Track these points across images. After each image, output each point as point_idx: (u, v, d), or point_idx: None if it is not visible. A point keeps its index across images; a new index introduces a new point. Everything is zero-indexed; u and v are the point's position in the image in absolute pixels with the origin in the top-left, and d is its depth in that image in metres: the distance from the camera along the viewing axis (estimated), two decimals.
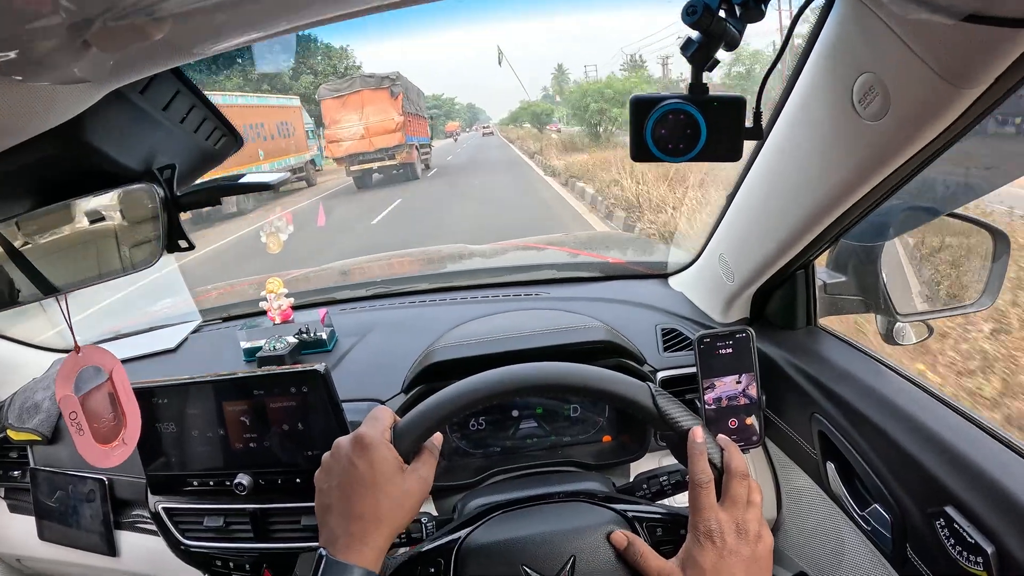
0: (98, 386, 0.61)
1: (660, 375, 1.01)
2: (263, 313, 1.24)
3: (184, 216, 0.55)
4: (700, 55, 0.47)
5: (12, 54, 0.30)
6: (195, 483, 0.93)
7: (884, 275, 0.91)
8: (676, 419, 0.64)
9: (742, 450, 0.66)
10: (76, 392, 0.58)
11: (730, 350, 0.90)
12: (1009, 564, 0.56)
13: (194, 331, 1.36)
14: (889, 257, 0.92)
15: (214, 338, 1.33)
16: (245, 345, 1.18)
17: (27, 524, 1.17)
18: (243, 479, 0.89)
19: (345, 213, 10.06)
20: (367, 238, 7.32)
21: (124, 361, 1.15)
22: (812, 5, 0.49)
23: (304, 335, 1.17)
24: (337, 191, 13.82)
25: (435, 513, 0.92)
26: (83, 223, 0.53)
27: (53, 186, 0.51)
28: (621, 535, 0.63)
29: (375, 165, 13.54)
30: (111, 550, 1.09)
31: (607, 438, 1.02)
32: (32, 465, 1.14)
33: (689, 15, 0.44)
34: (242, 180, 0.55)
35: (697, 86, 0.49)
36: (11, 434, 1.13)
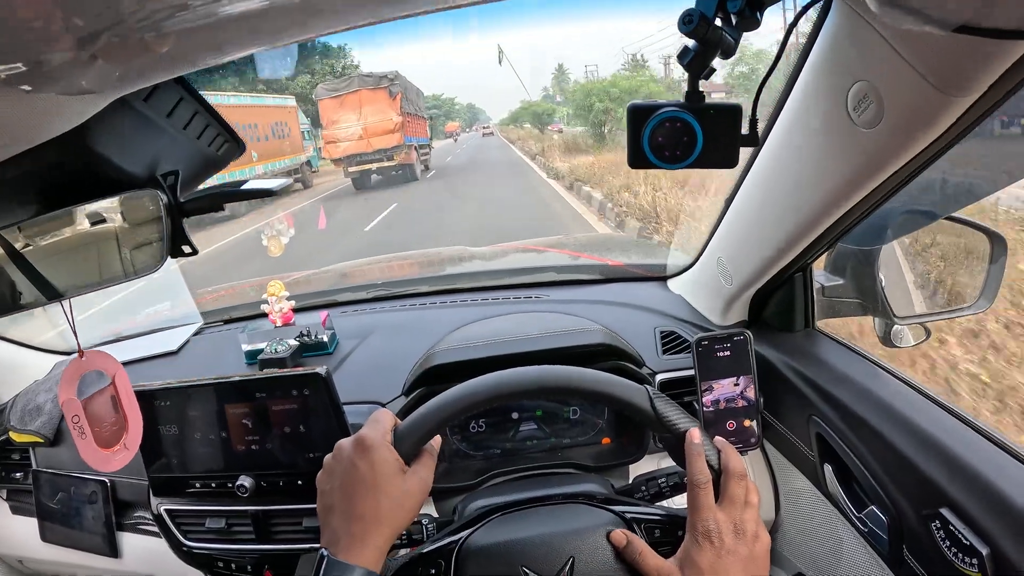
0: (101, 391, 0.61)
1: (659, 377, 1.02)
2: (264, 315, 1.24)
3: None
4: (697, 63, 0.47)
5: (21, 66, 0.31)
6: (197, 485, 0.94)
7: (882, 278, 0.92)
8: (673, 422, 0.64)
9: (740, 452, 0.67)
10: (79, 396, 0.58)
11: (728, 353, 0.91)
12: (1004, 565, 0.56)
13: (195, 333, 1.36)
14: (887, 260, 0.93)
15: (215, 340, 1.33)
16: (246, 347, 1.18)
17: (29, 525, 1.17)
18: (245, 481, 0.90)
19: (334, 219, 9.46)
20: (360, 245, 6.99)
21: (126, 363, 1.17)
22: (807, 14, 0.50)
23: (305, 338, 1.17)
24: (330, 194, 13.52)
25: (436, 515, 0.93)
26: (85, 227, 0.53)
27: (58, 192, 0.51)
28: (620, 534, 0.64)
29: (373, 166, 13.32)
30: (113, 551, 1.10)
31: (606, 440, 1.03)
32: (34, 467, 1.15)
33: (685, 24, 0.45)
34: (245, 187, 0.56)
35: (694, 94, 0.49)
36: (13, 436, 1.14)
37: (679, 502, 0.76)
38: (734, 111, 0.50)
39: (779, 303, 0.99)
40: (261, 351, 1.16)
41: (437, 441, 0.66)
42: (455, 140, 35.93)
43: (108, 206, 0.53)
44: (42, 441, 1.12)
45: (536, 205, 8.45)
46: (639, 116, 0.50)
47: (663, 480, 0.77)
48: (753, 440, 0.92)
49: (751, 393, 0.91)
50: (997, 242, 0.90)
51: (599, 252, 2.40)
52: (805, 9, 0.49)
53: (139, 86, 0.42)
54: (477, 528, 0.68)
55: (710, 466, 0.62)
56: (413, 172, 13.70)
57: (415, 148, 14.19)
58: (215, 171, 0.61)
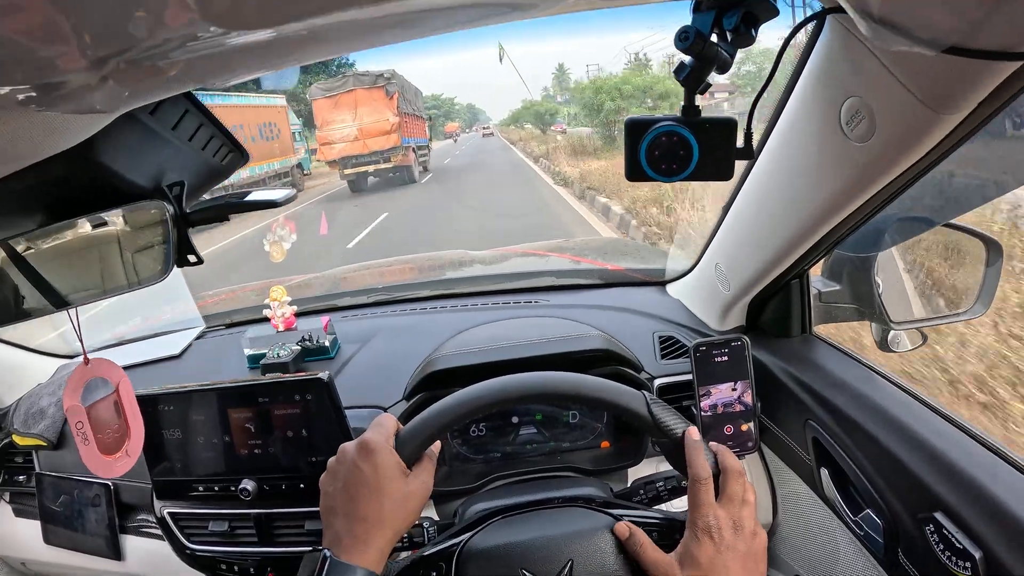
0: (104, 397, 0.62)
1: (657, 382, 1.03)
2: (266, 320, 1.25)
3: None
4: (693, 79, 0.48)
5: (33, 91, 0.31)
6: (200, 488, 0.95)
7: (878, 283, 0.93)
8: (671, 427, 0.65)
9: (737, 456, 0.68)
10: (83, 403, 0.59)
11: (726, 358, 0.92)
12: (997, 569, 0.57)
13: (198, 337, 1.37)
14: (883, 266, 0.94)
15: (218, 344, 1.34)
16: (249, 352, 1.19)
17: (32, 528, 1.18)
18: (248, 484, 0.91)
19: (309, 231, 8.12)
20: (344, 259, 6.01)
21: (129, 367, 1.17)
22: (801, 31, 0.51)
23: (307, 342, 1.18)
24: (315, 202, 12.68)
25: (436, 518, 0.94)
26: (87, 230, 0.54)
27: (65, 204, 0.52)
28: (624, 525, 0.65)
29: (370, 168, 12.88)
30: (116, 554, 1.11)
31: (605, 444, 1.03)
32: (37, 470, 1.16)
33: (682, 41, 0.46)
34: (249, 198, 0.57)
35: (690, 108, 0.50)
36: (16, 439, 1.14)
37: (677, 505, 0.78)
38: (729, 125, 0.51)
39: (776, 309, 0.99)
40: (263, 355, 1.16)
41: (436, 445, 0.67)
42: (455, 141, 35.87)
43: (114, 218, 0.53)
44: (45, 444, 1.13)
45: (542, 213, 7.60)
46: (636, 130, 0.51)
47: (661, 484, 0.78)
48: (750, 444, 0.93)
49: (748, 398, 0.92)
50: (993, 248, 0.90)
51: (599, 256, 2.40)
52: (799, 27, 0.50)
53: (147, 102, 0.43)
54: (477, 531, 0.69)
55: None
56: (411, 174, 13.28)
57: (413, 150, 13.77)
58: (219, 181, 0.62)
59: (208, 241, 8.20)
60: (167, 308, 1.61)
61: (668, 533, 0.67)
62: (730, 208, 0.89)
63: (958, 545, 0.60)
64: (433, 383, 0.99)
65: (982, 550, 0.58)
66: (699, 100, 0.51)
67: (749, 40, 0.47)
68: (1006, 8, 0.35)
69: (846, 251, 0.92)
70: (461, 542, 0.68)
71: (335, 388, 0.88)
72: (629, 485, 0.82)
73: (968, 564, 0.59)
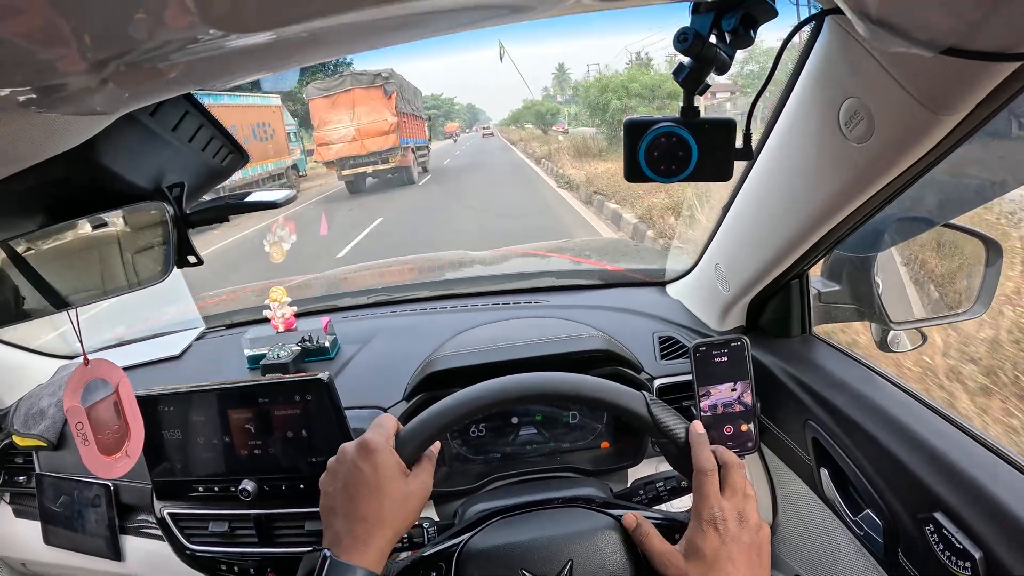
0: (104, 398, 0.62)
1: (657, 382, 1.03)
2: (266, 321, 1.25)
3: None
4: (692, 79, 0.49)
5: (33, 93, 0.32)
6: (200, 489, 0.95)
7: (878, 284, 0.93)
8: (670, 427, 0.65)
9: (737, 456, 0.68)
10: (83, 404, 0.59)
11: (726, 358, 0.92)
12: (996, 569, 0.57)
13: (198, 338, 1.37)
14: (882, 266, 0.94)
15: (218, 345, 1.34)
16: (249, 353, 1.19)
17: (32, 529, 1.18)
18: (247, 485, 0.91)
19: (308, 236, 7.73)
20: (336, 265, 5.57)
21: (130, 368, 1.17)
22: (800, 31, 0.51)
23: (307, 343, 1.18)
24: (317, 200, 12.51)
25: (437, 518, 0.94)
26: (87, 231, 0.54)
27: (65, 205, 0.52)
28: (631, 516, 0.65)
29: (369, 169, 12.61)
30: (116, 555, 1.11)
31: (605, 444, 1.04)
32: (37, 470, 1.16)
33: (681, 42, 0.46)
34: (248, 199, 0.57)
35: (689, 109, 0.50)
36: (16, 440, 1.14)
37: (677, 505, 0.78)
38: (728, 126, 0.51)
39: (776, 309, 0.99)
40: (263, 356, 1.16)
41: (436, 446, 0.67)
42: (454, 141, 35.86)
43: (115, 219, 0.53)
44: (45, 445, 1.13)
45: (544, 215, 7.38)
46: (635, 131, 0.51)
47: (661, 484, 0.78)
48: (750, 444, 0.93)
49: (748, 398, 0.92)
50: (992, 248, 0.90)
51: (599, 257, 2.41)
52: (798, 28, 0.50)
53: (147, 103, 0.43)
54: (477, 531, 0.69)
55: None
56: (410, 175, 13.05)
57: (412, 150, 13.49)
58: (219, 182, 0.62)
59: (208, 242, 8.13)
60: (167, 309, 1.61)
61: (668, 533, 0.67)
62: (729, 208, 0.89)
63: (958, 545, 0.60)
64: (433, 383, 0.99)
65: (982, 550, 0.58)
66: (701, 100, 0.51)
67: (748, 41, 0.47)
68: (1004, 9, 0.35)
69: (846, 251, 0.92)
70: (461, 542, 0.68)
71: (335, 388, 0.88)
72: (629, 485, 0.82)
73: (968, 564, 0.59)
